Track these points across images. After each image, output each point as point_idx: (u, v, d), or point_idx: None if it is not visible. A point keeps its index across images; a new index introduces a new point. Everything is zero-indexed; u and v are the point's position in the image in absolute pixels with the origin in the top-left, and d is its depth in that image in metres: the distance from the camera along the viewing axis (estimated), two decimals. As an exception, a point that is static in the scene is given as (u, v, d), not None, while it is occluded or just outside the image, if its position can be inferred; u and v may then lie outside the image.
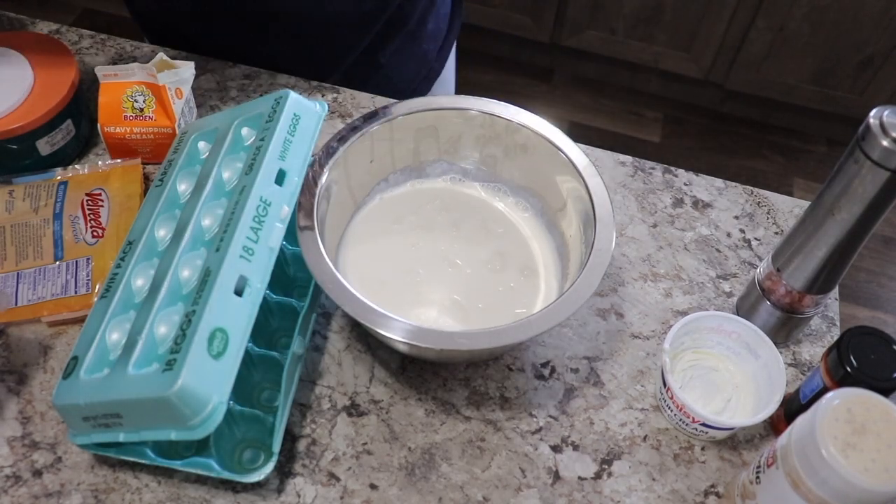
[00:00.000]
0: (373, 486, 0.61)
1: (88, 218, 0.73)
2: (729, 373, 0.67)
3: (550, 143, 0.69)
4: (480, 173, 0.75)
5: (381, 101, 0.88)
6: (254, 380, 0.65)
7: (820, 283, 0.65)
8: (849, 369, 0.57)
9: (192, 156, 0.71)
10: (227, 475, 0.58)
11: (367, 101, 0.89)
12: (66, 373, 0.58)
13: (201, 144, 0.71)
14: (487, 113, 0.71)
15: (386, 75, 0.96)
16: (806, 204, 0.66)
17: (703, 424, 0.62)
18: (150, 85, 0.77)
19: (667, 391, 0.63)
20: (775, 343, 0.64)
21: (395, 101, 0.72)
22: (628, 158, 0.86)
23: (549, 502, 0.61)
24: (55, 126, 0.76)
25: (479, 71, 2.19)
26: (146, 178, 0.79)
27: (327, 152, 0.67)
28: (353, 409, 0.65)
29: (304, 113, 0.68)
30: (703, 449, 0.65)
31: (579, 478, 0.63)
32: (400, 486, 0.61)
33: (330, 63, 0.92)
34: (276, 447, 0.59)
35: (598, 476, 0.63)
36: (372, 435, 0.64)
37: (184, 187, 0.68)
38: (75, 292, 0.68)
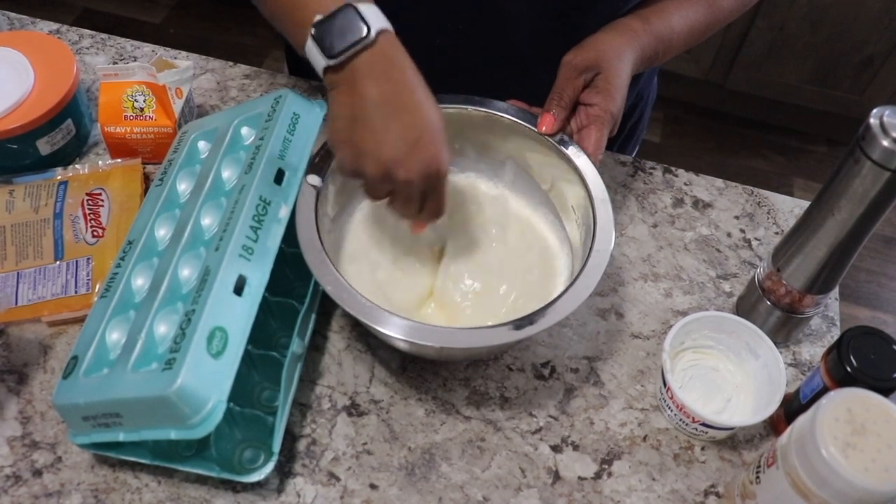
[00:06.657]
0: (373, 486, 0.61)
1: (88, 218, 0.73)
2: (729, 373, 0.67)
3: (551, 143, 0.68)
4: (481, 172, 0.75)
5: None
6: (254, 380, 0.65)
7: (820, 283, 0.65)
8: (849, 369, 0.56)
9: (192, 155, 0.71)
10: (226, 475, 0.58)
11: (367, 101, 0.88)
12: (66, 372, 0.58)
13: (201, 144, 0.71)
14: (488, 112, 0.71)
15: None
16: (806, 204, 0.66)
17: (703, 424, 0.62)
18: (151, 85, 0.77)
19: (667, 391, 0.63)
20: (775, 343, 0.64)
21: None
22: (628, 158, 0.86)
23: (549, 502, 0.61)
24: (55, 126, 0.76)
25: (480, 71, 2.19)
26: (146, 178, 0.79)
27: (327, 151, 0.67)
28: (353, 409, 0.65)
29: (303, 112, 0.68)
30: (703, 449, 0.65)
31: (579, 478, 0.63)
32: (400, 486, 0.61)
33: None
34: (276, 447, 0.59)
35: (598, 476, 0.63)
36: (372, 435, 0.64)
37: (184, 187, 0.68)
38: (75, 292, 0.68)
